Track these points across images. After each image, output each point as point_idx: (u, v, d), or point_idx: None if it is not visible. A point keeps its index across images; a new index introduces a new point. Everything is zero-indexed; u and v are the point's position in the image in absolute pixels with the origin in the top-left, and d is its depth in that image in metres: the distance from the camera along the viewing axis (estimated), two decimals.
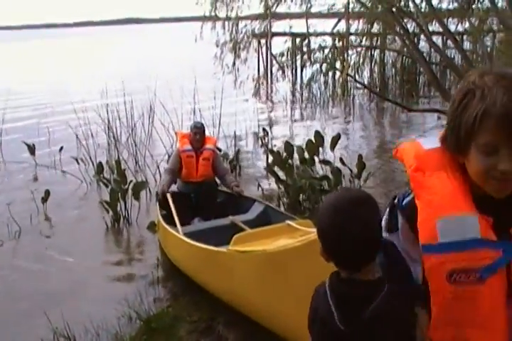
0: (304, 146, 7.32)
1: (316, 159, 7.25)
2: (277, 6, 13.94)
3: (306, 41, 16.59)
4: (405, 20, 10.74)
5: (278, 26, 16.93)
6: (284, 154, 7.18)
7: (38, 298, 4.54)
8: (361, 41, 15.37)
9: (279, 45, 16.81)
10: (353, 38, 15.06)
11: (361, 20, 14.00)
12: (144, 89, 11.71)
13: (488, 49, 10.73)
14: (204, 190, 5.48)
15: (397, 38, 12.50)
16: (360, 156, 6.78)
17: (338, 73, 14.46)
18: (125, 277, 4.91)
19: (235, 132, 9.94)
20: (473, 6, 11.36)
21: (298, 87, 17.44)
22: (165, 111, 10.23)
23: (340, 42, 14.22)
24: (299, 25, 16.63)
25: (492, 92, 1.14)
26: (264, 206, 5.19)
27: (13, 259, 5.40)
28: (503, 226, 1.21)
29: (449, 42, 11.12)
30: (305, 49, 16.60)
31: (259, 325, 3.64)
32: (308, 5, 13.40)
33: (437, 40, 12.09)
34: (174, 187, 5.63)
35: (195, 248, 4.17)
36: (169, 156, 6.75)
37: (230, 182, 5.53)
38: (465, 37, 13.46)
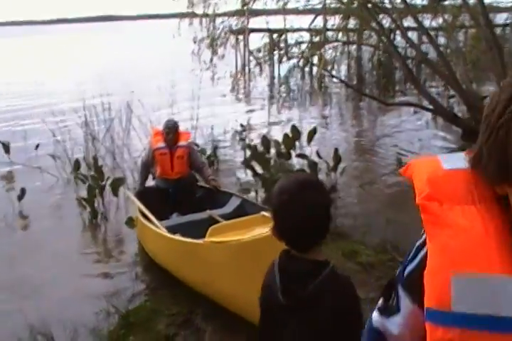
0: (280, 140, 7.38)
1: (293, 153, 7.32)
2: (254, 2, 13.97)
3: (283, 37, 16.69)
4: (381, 16, 10.89)
5: (255, 22, 16.94)
6: (261, 148, 7.24)
7: (14, 295, 4.50)
8: (338, 36, 15.49)
9: (257, 41, 16.85)
10: (329, 33, 15.15)
11: (337, 16, 14.10)
12: (121, 85, 11.66)
13: (461, 44, 10.91)
14: (182, 185, 5.49)
15: (373, 33, 12.65)
16: (336, 150, 6.86)
17: (315, 68, 14.59)
18: (103, 272, 4.91)
19: (212, 128, 9.95)
20: (445, 3, 11.56)
21: (275, 82, 17.51)
22: (142, 107, 10.20)
23: (317, 38, 14.33)
24: (276, 21, 16.68)
25: None
26: (241, 200, 5.23)
27: None
28: None
29: (424, 37, 11.26)
30: (282, 45, 16.69)
31: (237, 316, 3.66)
32: (285, 1, 13.45)
33: (412, 35, 12.21)
34: (152, 183, 5.65)
35: (173, 241, 4.19)
36: None
37: (207, 176, 5.56)
38: (439, 32, 13.66)
